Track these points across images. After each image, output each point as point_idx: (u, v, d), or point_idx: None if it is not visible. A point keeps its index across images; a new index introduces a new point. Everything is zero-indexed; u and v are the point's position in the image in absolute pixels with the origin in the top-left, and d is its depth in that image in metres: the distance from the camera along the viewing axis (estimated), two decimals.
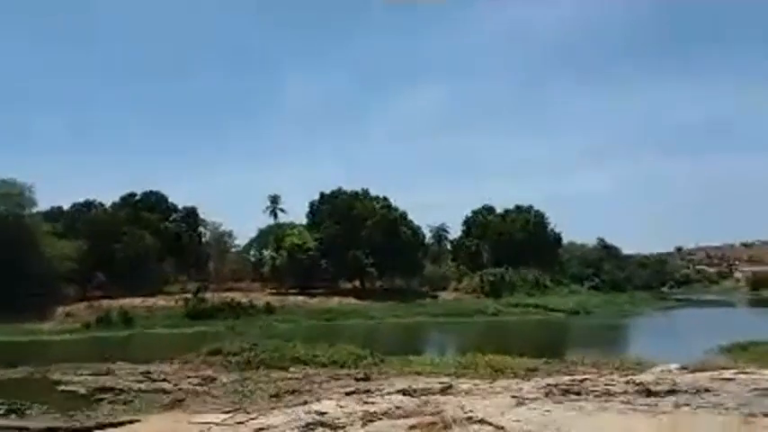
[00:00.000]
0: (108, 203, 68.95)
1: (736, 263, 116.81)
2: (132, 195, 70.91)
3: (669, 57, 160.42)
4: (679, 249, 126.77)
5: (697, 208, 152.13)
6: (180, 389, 18.22)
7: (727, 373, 12.41)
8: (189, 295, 53.99)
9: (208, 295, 54.79)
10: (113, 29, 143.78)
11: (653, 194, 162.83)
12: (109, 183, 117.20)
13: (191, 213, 73.07)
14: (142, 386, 18.98)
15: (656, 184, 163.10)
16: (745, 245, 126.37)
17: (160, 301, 54.14)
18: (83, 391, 18.85)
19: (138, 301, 52.63)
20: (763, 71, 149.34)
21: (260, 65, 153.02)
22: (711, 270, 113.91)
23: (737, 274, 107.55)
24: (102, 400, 17.18)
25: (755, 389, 10.27)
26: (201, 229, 75.74)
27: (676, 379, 11.79)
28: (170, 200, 72.81)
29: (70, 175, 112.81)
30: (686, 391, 10.44)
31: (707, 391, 10.42)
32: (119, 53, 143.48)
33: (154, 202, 70.89)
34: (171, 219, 70.99)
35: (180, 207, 73.03)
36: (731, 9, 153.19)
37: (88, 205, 67.78)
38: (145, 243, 60.71)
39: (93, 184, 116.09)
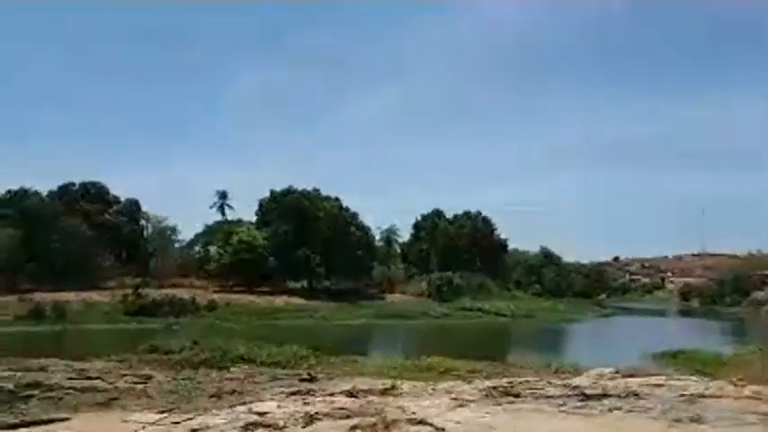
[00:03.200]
0: (45, 192, 66.14)
1: (669, 274, 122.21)
2: (71, 185, 68.17)
3: (611, 69, 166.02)
4: (616, 259, 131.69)
5: (634, 220, 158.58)
6: (115, 387, 17.55)
7: (657, 379, 12.96)
8: (128, 290, 52.22)
9: (148, 291, 53.12)
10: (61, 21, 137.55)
11: (593, 205, 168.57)
12: (46, 172, 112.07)
13: (133, 206, 70.83)
14: (75, 383, 18.14)
15: (597, 196, 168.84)
16: (677, 257, 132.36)
17: (97, 295, 52.19)
18: (10, 386, 17.87)
19: (72, 294, 50.55)
20: (703, 90, 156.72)
21: (213, 59, 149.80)
22: (646, 280, 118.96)
23: (669, 285, 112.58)
24: (31, 396, 16.30)
25: (682, 395, 10.74)
26: (144, 222, 73.51)
27: (609, 383, 12.22)
28: (111, 192, 70.51)
29: (4, 162, 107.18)
30: (618, 396, 10.81)
31: (637, 395, 10.81)
32: (70, 41, 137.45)
33: (93, 193, 68.40)
34: (111, 210, 68.65)
35: (122, 199, 70.74)
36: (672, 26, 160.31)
37: (23, 193, 64.72)
38: (82, 234, 58.40)
39: (29, 172, 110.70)
